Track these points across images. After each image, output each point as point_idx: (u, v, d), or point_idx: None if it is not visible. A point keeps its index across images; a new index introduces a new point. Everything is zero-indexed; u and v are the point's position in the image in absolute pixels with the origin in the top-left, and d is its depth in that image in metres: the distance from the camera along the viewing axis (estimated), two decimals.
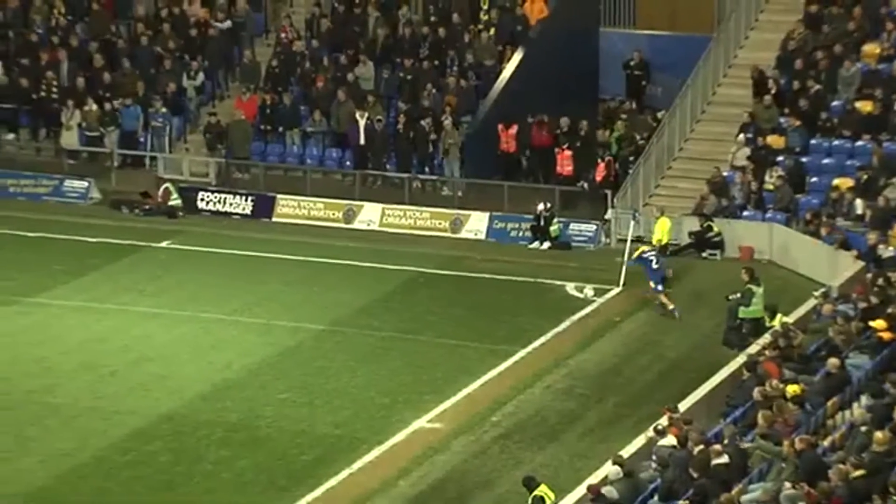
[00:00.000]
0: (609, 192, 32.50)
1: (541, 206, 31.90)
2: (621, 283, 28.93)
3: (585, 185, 33.46)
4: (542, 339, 26.61)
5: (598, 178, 33.16)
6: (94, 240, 31.51)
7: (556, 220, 31.96)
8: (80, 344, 25.83)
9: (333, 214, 33.51)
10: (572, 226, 32.14)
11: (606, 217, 32.06)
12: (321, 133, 35.75)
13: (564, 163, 33.62)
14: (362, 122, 34.86)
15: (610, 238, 31.72)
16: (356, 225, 33.21)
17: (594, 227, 31.94)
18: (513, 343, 26.32)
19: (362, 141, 34.85)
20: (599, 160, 33.31)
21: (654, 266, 27.93)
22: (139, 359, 25.32)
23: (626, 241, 29.93)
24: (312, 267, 30.35)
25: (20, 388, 23.81)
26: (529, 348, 26.24)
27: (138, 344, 25.95)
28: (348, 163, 35.36)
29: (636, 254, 28.37)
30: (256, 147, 35.82)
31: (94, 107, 35.99)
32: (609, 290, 28.87)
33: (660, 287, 27.78)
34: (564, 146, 33.70)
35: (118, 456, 21.89)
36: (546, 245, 31.88)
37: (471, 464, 22.05)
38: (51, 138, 36.64)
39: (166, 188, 33.77)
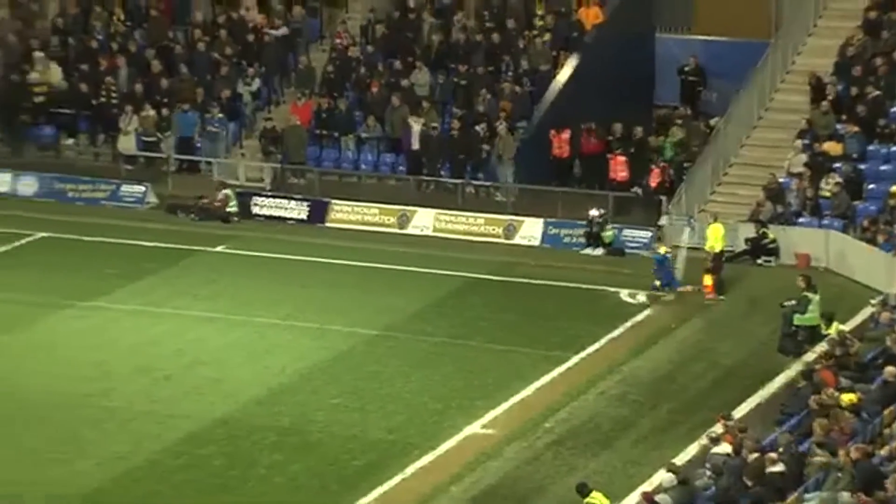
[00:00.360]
0: (664, 199, 32.37)
1: (594, 212, 31.82)
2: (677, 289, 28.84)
3: (640, 191, 33.33)
4: (596, 346, 26.52)
5: (653, 184, 33.03)
6: (150, 244, 31.75)
7: (609, 226, 31.86)
8: (135, 348, 26.01)
9: (387, 220, 33.57)
10: (626, 232, 32.02)
11: (660, 223, 31.91)
12: (376, 138, 35.85)
13: (618, 168, 33.51)
14: (416, 128, 34.93)
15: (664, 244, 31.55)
16: (410, 230, 33.26)
17: (648, 233, 31.80)
18: (566, 349, 26.25)
19: (416, 146, 34.92)
20: (654, 166, 33.18)
21: (670, 267, 28.17)
22: (194, 363, 25.47)
23: (680, 247, 29.82)
24: (366, 272, 30.43)
25: (78, 391, 24.00)
26: (583, 354, 26.16)
27: (193, 348, 26.11)
28: (402, 168, 35.44)
29: (660, 251, 28.62)
30: (311, 152, 35.95)
31: (152, 112, 36.27)
32: (663, 297, 28.72)
33: (656, 285, 28.34)
34: (618, 151, 33.60)
35: (172, 459, 22.02)
36: (600, 251, 31.78)
37: (523, 470, 22.00)
38: (108, 143, 36.94)
39: (226, 194, 33.98)
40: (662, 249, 28.93)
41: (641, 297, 28.71)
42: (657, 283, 28.64)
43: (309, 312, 27.86)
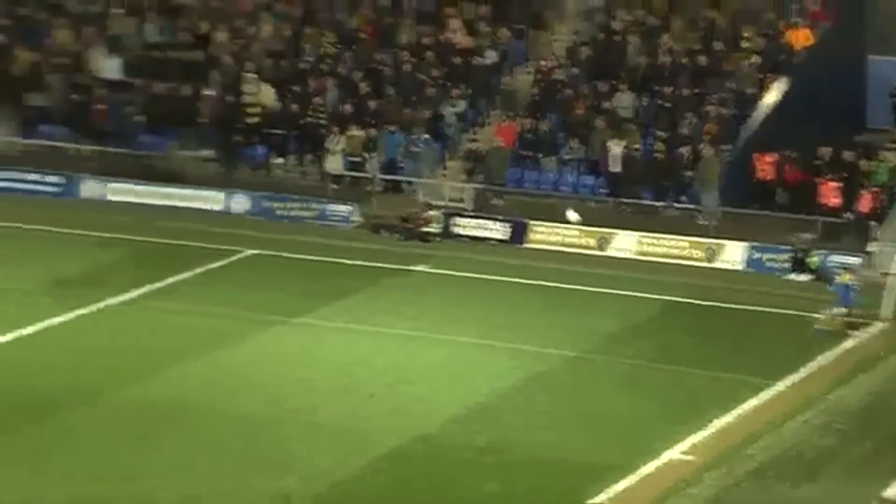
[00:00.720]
0: (873, 224, 31.59)
1: (800, 238, 31.25)
2: (888, 316, 28.08)
3: (850, 216, 32.59)
4: (800, 373, 26.02)
5: (865, 210, 32.27)
6: (354, 262, 32.41)
7: (815, 251, 31.23)
8: (341, 365, 26.50)
9: (587, 241, 33.59)
10: (834, 258, 31.33)
11: (869, 249, 31.14)
12: (577, 160, 35.89)
13: (830, 194, 32.83)
14: (619, 150, 34.89)
15: (874, 271, 30.79)
16: (610, 252, 33.20)
17: (857, 259, 31.05)
18: (768, 376, 25.81)
19: (618, 168, 34.86)
20: (865, 191, 32.40)
21: (852, 295, 27.68)
22: (397, 381, 25.84)
23: (890, 274, 29.07)
24: (565, 293, 30.47)
25: (286, 407, 24.53)
26: (786, 382, 25.70)
27: (396, 366, 26.51)
28: (602, 190, 35.39)
29: (844, 278, 28.16)
30: (513, 173, 36.20)
31: (359, 133, 37.02)
32: (872, 324, 27.99)
33: (841, 309, 27.72)
34: (828, 177, 32.91)
35: (373, 476, 22.35)
36: (806, 277, 31.17)
37: (724, 498, 21.68)
38: (315, 163, 37.82)
39: (430, 214, 34.49)
40: (846, 277, 28.22)
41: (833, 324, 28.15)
42: (844, 309, 27.81)
43: (508, 332, 28.03)
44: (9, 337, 26.75)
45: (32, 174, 37.15)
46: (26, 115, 38.48)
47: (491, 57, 38.03)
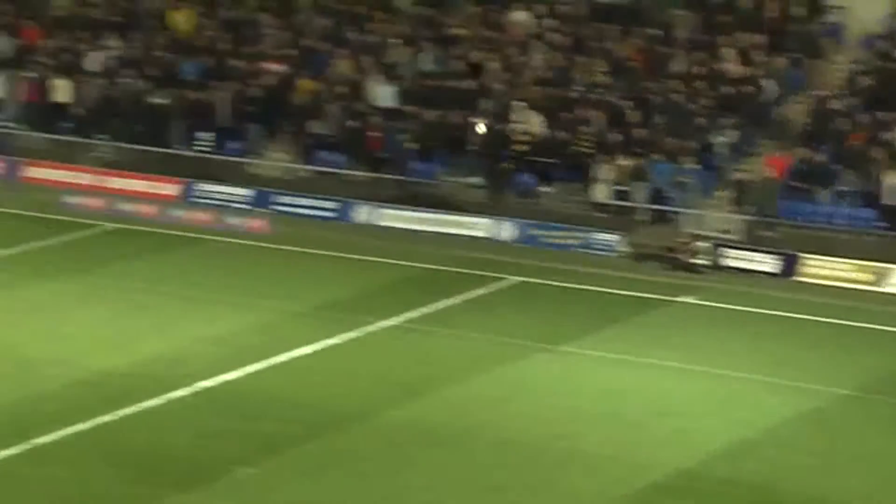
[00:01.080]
0: None
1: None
2: None
3: None
4: None
5: None
6: (618, 292, 32.24)
7: None
8: (604, 393, 26.40)
9: (862, 276, 32.54)
10: None
11: None
12: (853, 192, 34.84)
13: None
14: (894, 182, 33.72)
15: None
16: (886, 288, 32.06)
17: None
18: None
19: (893, 201, 33.67)
20: None
21: None
22: (661, 412, 25.55)
23: None
24: (838, 329, 29.60)
25: (549, 433, 24.55)
26: None
27: (660, 397, 26.22)
28: (878, 223, 34.21)
29: None
30: (786, 205, 35.40)
31: (626, 162, 36.87)
32: None
33: None
34: None
35: None
36: None
37: None
38: (582, 192, 37.82)
39: (697, 245, 34.06)
40: None
41: None
42: None
43: (776, 367, 27.39)
44: (283, 358, 27.63)
45: (310, 199, 38.42)
46: (306, 143, 39.85)
47: (766, 86, 37.29)
